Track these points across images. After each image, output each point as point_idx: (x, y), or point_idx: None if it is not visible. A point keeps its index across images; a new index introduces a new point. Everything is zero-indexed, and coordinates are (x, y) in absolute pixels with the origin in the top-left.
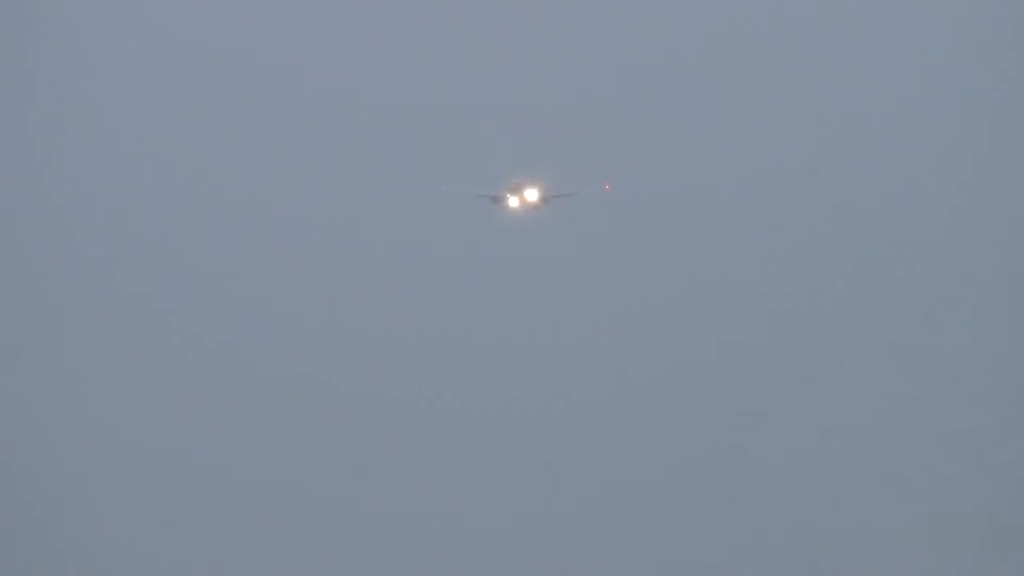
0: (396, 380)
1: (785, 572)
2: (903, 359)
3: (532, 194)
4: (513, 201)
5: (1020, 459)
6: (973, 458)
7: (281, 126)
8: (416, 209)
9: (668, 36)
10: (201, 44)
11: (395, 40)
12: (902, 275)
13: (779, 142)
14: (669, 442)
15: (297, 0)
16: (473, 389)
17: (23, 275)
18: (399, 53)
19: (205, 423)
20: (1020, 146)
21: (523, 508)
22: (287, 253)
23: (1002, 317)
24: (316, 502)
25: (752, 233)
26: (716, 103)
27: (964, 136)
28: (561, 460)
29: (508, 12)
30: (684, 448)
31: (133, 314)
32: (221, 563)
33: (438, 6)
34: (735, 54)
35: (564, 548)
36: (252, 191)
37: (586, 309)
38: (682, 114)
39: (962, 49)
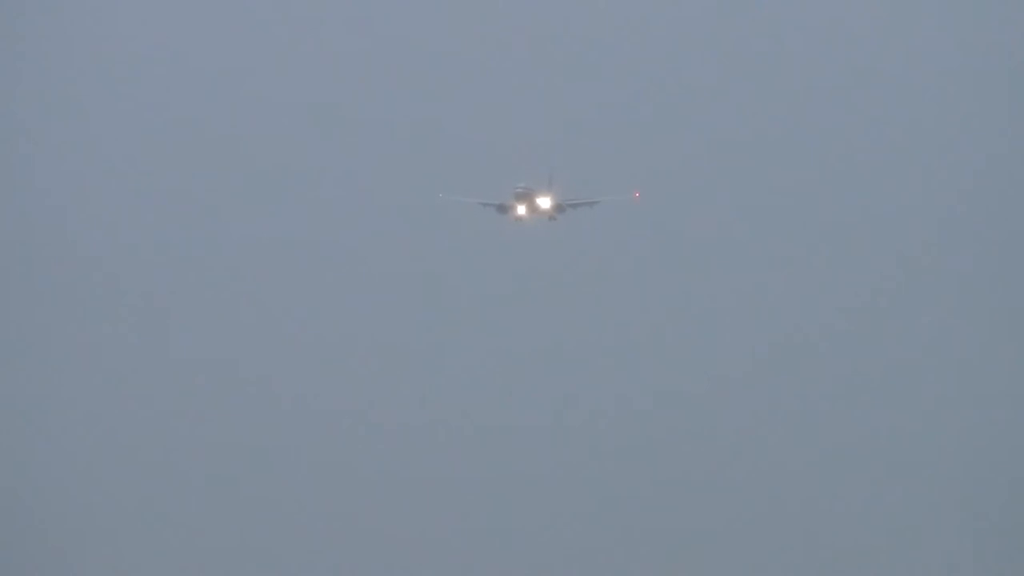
0: (375, 393)
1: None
2: (923, 373)
3: (545, 202)
4: (521, 210)
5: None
6: (979, 463)
7: (278, 131)
8: (411, 219)
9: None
10: (202, 48)
11: (397, 34)
12: (927, 290)
13: (805, 156)
14: (673, 453)
15: (302, 4)
16: (461, 407)
17: (22, 275)
18: (401, 48)
19: (202, 426)
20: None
21: (526, 518)
22: (276, 258)
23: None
24: (318, 509)
25: (777, 251)
26: (739, 107)
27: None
28: (562, 472)
29: (521, 6)
30: (689, 458)
31: (130, 316)
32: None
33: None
34: (756, 62)
35: (568, 553)
36: (250, 198)
37: (599, 336)
38: (703, 120)
39: (972, 60)
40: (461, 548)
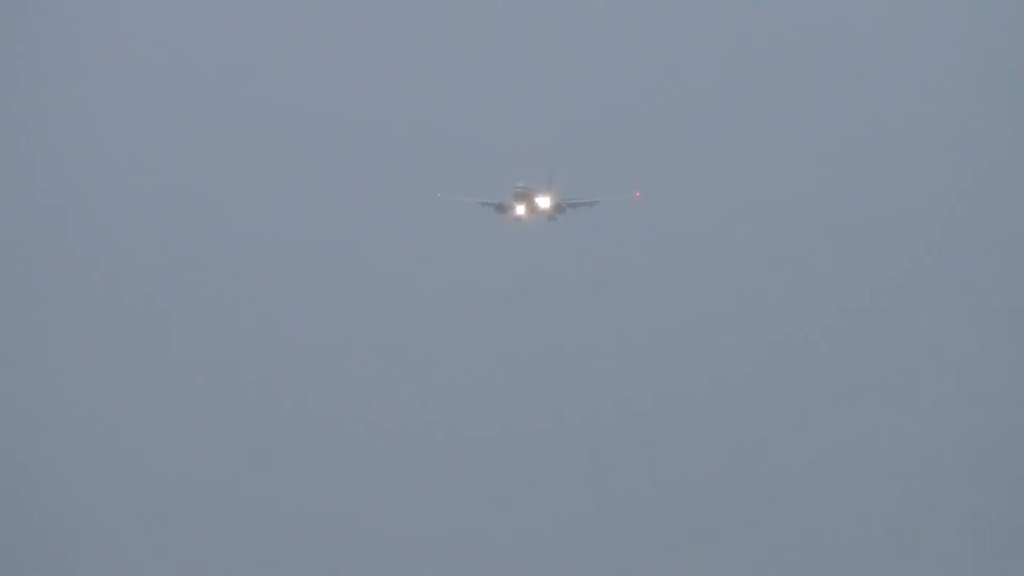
0: (375, 393)
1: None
2: (923, 373)
3: (544, 202)
4: (520, 209)
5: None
6: (979, 463)
7: (278, 131)
8: (411, 219)
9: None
10: (202, 48)
11: (397, 34)
12: (927, 290)
13: (805, 156)
14: (673, 453)
15: (302, 4)
16: (461, 408)
17: (22, 275)
18: (401, 48)
19: (202, 426)
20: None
21: (526, 519)
22: (276, 258)
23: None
24: (318, 509)
25: (777, 251)
26: (741, 106)
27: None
28: (562, 472)
29: (521, 6)
30: (689, 458)
31: (130, 316)
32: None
33: None
34: (763, 64)
35: (568, 553)
36: (250, 198)
37: (599, 336)
38: (703, 120)
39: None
40: (461, 548)
